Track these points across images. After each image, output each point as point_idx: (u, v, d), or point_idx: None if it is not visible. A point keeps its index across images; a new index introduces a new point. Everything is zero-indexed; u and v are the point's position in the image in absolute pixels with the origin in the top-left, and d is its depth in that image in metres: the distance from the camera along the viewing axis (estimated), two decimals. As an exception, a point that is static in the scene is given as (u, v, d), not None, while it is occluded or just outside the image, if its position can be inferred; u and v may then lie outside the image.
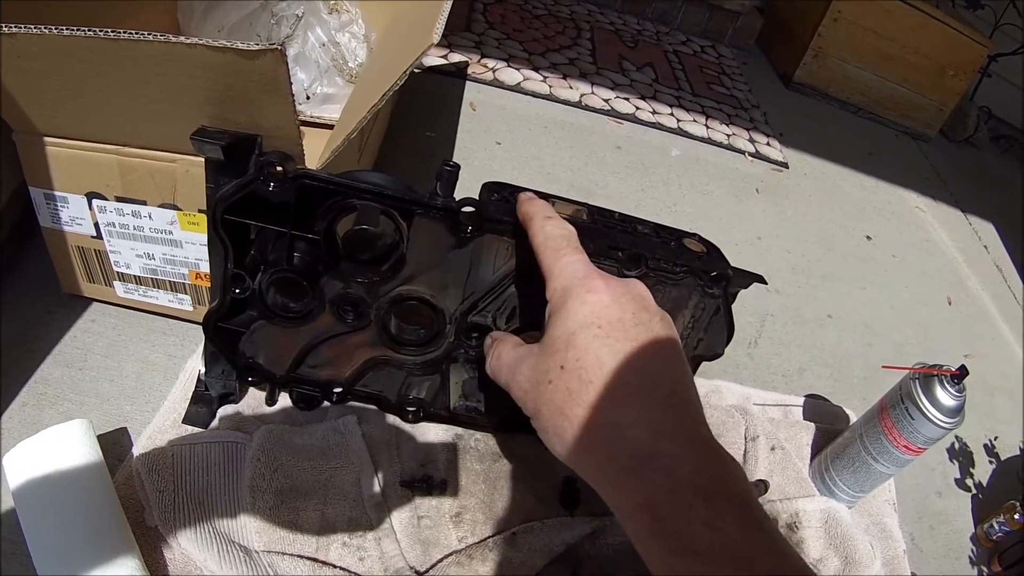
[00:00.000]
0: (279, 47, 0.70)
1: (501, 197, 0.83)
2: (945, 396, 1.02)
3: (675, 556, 0.51)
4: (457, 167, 0.77)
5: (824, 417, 1.34)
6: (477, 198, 0.79)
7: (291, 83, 0.75)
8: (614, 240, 0.81)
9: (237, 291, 0.83)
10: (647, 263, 0.83)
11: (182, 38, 0.69)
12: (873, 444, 1.09)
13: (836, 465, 1.15)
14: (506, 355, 0.70)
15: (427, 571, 0.88)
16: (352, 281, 0.83)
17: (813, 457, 1.23)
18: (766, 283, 0.88)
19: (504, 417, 1.01)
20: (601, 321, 0.61)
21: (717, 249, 0.91)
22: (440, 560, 0.90)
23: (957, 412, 1.02)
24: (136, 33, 0.69)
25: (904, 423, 1.04)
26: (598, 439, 0.58)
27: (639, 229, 0.89)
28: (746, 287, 0.90)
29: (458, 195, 0.78)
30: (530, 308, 0.87)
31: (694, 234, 0.92)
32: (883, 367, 1.16)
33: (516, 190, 0.84)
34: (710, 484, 0.53)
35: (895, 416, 1.06)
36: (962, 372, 1.03)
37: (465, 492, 0.97)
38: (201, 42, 0.69)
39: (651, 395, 0.58)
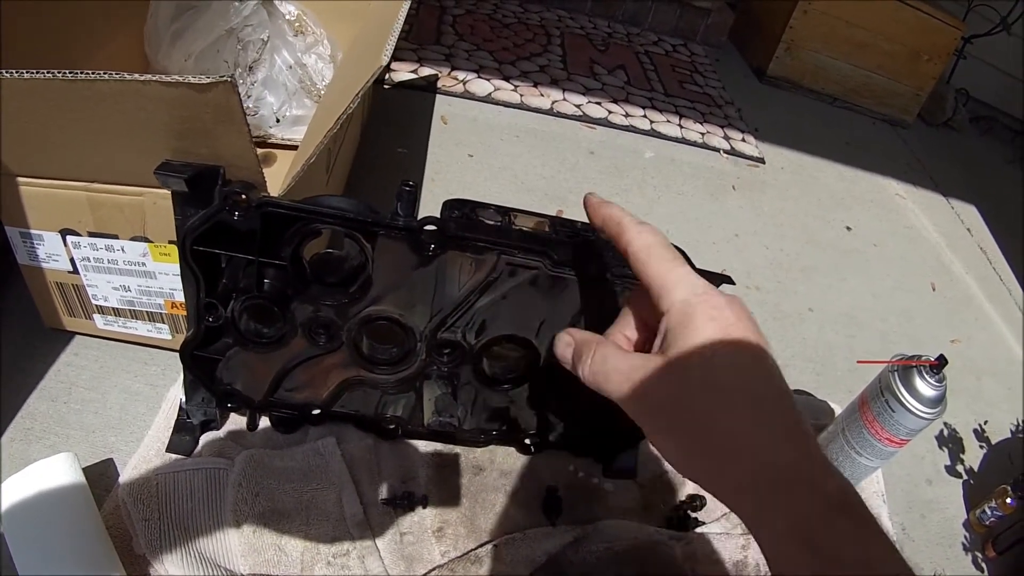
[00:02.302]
0: (229, 79, 0.71)
1: (462, 214, 0.84)
2: (925, 387, 1.02)
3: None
4: (415, 187, 0.78)
5: (808, 412, 1.34)
6: (438, 216, 0.80)
7: (245, 113, 0.76)
8: (577, 251, 0.82)
9: (211, 319, 0.84)
10: (612, 272, 0.84)
11: (136, 75, 0.70)
12: (856, 438, 1.09)
13: None
14: (615, 361, 0.65)
15: (411, 587, 0.89)
16: (322, 304, 0.83)
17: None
18: (733, 283, 0.88)
19: (485, 429, 1.02)
20: (731, 340, 0.59)
21: (683, 252, 0.92)
22: (424, 575, 0.90)
23: (938, 402, 1.02)
24: (93, 73, 0.70)
25: (885, 416, 1.04)
26: (743, 458, 0.56)
27: (602, 238, 0.90)
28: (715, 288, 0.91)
29: (432, 211, 0.79)
30: (518, 319, 0.89)
31: (658, 239, 0.93)
32: (859, 362, 1.17)
33: (477, 206, 0.85)
34: (846, 501, 0.53)
35: (875, 409, 1.06)
36: (941, 362, 1.03)
37: (446, 507, 0.98)
38: (155, 78, 0.71)
39: (785, 413, 0.57)
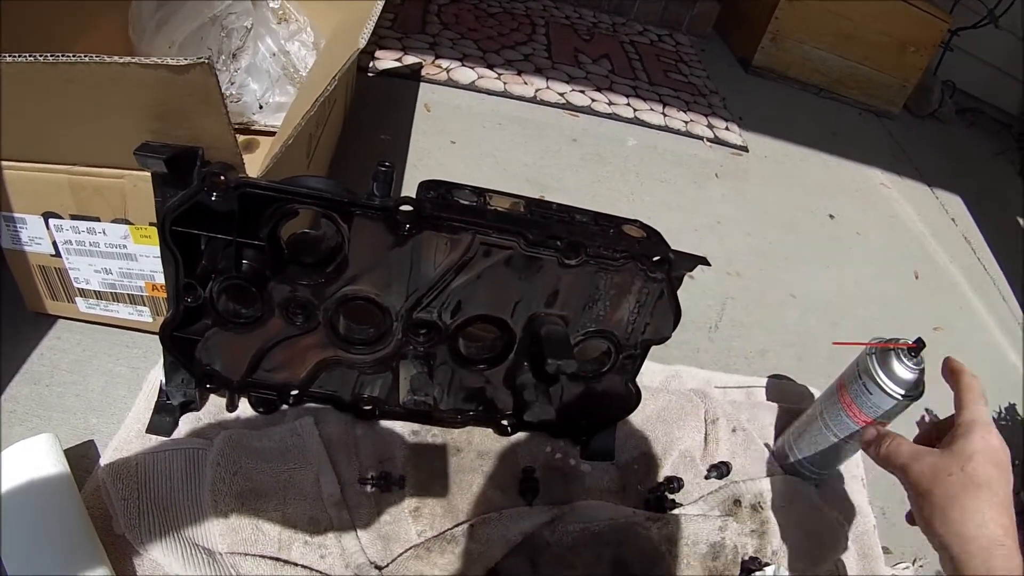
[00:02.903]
0: (206, 60, 0.71)
1: (437, 194, 0.85)
2: (902, 369, 1.03)
3: None
4: (392, 166, 0.79)
5: (788, 397, 1.36)
6: (414, 197, 0.80)
7: (223, 95, 0.76)
8: (552, 230, 0.83)
9: (190, 300, 0.84)
10: (586, 251, 0.84)
11: (116, 58, 0.71)
12: (834, 421, 1.10)
13: (799, 444, 1.16)
14: (906, 447, 0.93)
15: (388, 565, 0.90)
16: (298, 284, 0.84)
17: (777, 437, 1.24)
18: (709, 264, 0.90)
19: (462, 409, 1.03)
20: (991, 455, 0.86)
21: (658, 233, 0.92)
22: (400, 554, 0.91)
23: (916, 385, 1.04)
24: (73, 56, 0.71)
25: (862, 398, 1.05)
26: (969, 523, 0.80)
27: (577, 218, 0.90)
28: (691, 269, 0.91)
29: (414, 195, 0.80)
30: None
31: (635, 220, 0.94)
32: (834, 343, 1.18)
33: (453, 187, 0.86)
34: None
35: (853, 392, 1.07)
36: (919, 344, 1.04)
37: (424, 487, 0.99)
38: (134, 60, 0.71)
39: (1005, 507, 0.82)
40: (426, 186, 0.86)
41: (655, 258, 0.88)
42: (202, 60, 0.71)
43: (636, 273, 0.89)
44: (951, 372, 0.97)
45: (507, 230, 0.82)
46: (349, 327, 0.91)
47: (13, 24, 0.96)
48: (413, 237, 0.81)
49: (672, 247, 0.90)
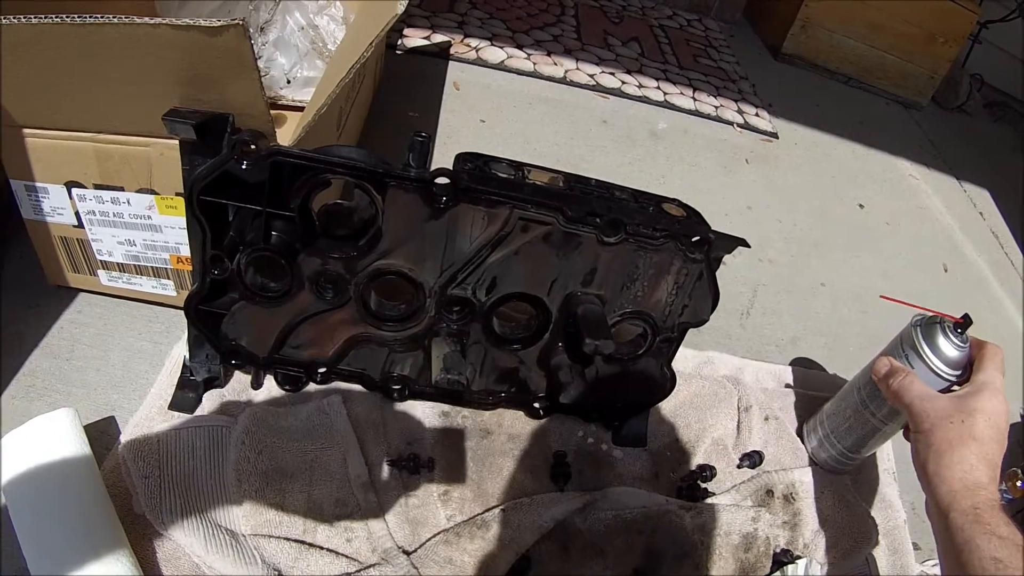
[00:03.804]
0: (241, 22, 0.69)
1: (475, 166, 0.82)
2: (947, 345, 1.00)
3: (987, 536, 0.79)
4: (428, 137, 0.76)
5: (817, 385, 1.33)
6: (451, 168, 0.78)
7: (256, 59, 0.74)
8: (591, 206, 0.81)
9: (216, 272, 0.82)
10: (626, 228, 0.82)
11: (146, 19, 0.69)
12: (870, 397, 1.07)
13: (831, 422, 1.13)
14: (917, 387, 0.97)
15: (416, 550, 0.88)
16: (330, 257, 0.82)
17: (803, 424, 1.22)
18: (749, 246, 0.87)
19: (493, 390, 1.01)
20: (993, 416, 0.91)
21: (698, 213, 0.90)
22: (429, 539, 0.89)
23: (959, 364, 1.00)
24: (102, 17, 0.69)
25: None
26: (959, 466, 0.87)
27: (616, 195, 0.88)
28: (730, 251, 0.89)
29: None
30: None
31: (673, 199, 0.91)
32: (881, 296, 1.18)
33: (490, 160, 0.83)
34: (1000, 504, 0.84)
35: None
36: (966, 321, 1.00)
37: (453, 470, 0.97)
38: (165, 22, 0.69)
39: (992, 463, 0.88)
40: (463, 158, 0.83)
41: (695, 238, 0.85)
42: (237, 22, 0.69)
43: (675, 253, 0.86)
44: (977, 344, 1.02)
45: (546, 205, 0.80)
46: (380, 303, 0.89)
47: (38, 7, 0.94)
48: (449, 210, 0.79)
49: (711, 227, 0.88)
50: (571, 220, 0.81)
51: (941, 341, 1.00)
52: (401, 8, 0.81)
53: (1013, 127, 3.29)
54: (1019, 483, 1.18)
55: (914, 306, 1.07)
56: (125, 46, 0.72)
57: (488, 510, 0.93)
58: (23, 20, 0.69)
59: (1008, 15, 3.11)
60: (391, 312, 0.89)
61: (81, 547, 0.74)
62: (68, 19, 0.69)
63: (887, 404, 1.04)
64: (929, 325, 1.02)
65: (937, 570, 1.14)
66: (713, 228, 0.88)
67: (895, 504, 1.17)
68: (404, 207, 0.78)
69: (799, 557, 1.02)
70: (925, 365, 1.00)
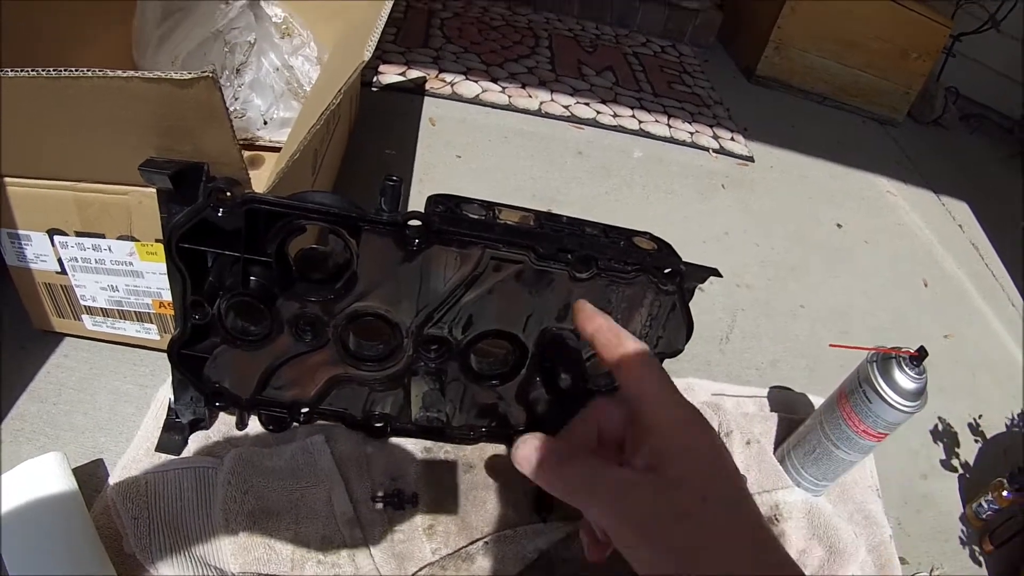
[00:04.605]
0: (211, 74, 0.70)
1: (446, 208, 0.84)
2: (904, 379, 1.01)
3: None
4: (400, 181, 0.77)
5: (793, 407, 1.35)
6: (423, 211, 0.79)
7: (228, 110, 0.75)
8: (562, 243, 0.82)
9: (197, 317, 0.83)
10: (597, 264, 0.83)
11: (119, 72, 0.70)
12: (833, 431, 1.08)
13: (797, 453, 1.15)
14: (603, 474, 0.62)
15: (402, 584, 0.89)
16: (307, 301, 0.83)
17: (776, 448, 1.23)
18: (721, 275, 0.88)
19: (474, 426, 1.02)
20: (714, 463, 0.61)
21: (668, 245, 0.91)
22: (415, 573, 0.90)
23: (918, 395, 1.01)
24: (76, 70, 0.70)
25: (863, 408, 1.04)
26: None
27: (587, 231, 0.89)
28: (702, 281, 0.90)
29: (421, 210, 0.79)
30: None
31: (644, 232, 0.92)
32: (830, 345, 1.16)
33: (462, 201, 0.85)
34: None
35: (853, 401, 1.05)
36: (921, 353, 1.02)
37: (437, 504, 0.98)
38: (137, 75, 0.70)
39: (769, 549, 0.58)
40: (435, 200, 0.85)
41: (666, 270, 0.86)
42: (206, 74, 0.70)
43: (648, 286, 0.87)
44: (597, 329, 0.71)
45: (517, 243, 0.81)
46: (359, 344, 0.90)
47: (12, 42, 0.95)
48: (422, 252, 0.80)
49: (682, 259, 0.89)
50: (542, 257, 0.82)
51: (897, 375, 1.01)
52: (368, 55, 0.82)
53: (989, 138, 3.32)
54: (1005, 492, 1.20)
55: (866, 348, 1.06)
56: (99, 98, 0.74)
57: (473, 543, 0.94)
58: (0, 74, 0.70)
59: (981, 26, 3.14)
60: (370, 352, 0.90)
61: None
62: (44, 72, 0.70)
63: (852, 437, 1.06)
64: (884, 360, 1.04)
65: (926, 582, 1.15)
66: (685, 259, 0.89)
67: (880, 520, 1.18)
68: (378, 250, 0.79)
69: (783, 578, 1.02)
70: (882, 400, 1.01)
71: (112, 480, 0.91)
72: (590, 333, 0.71)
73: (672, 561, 0.57)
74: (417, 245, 0.79)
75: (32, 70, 0.70)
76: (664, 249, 0.90)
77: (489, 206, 0.86)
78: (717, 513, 0.57)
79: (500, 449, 1.06)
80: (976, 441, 1.47)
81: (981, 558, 1.23)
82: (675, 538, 0.57)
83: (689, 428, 0.62)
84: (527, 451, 0.65)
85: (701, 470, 0.59)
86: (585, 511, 0.63)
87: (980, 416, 1.52)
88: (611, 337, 0.69)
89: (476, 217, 0.84)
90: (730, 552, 0.56)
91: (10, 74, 0.70)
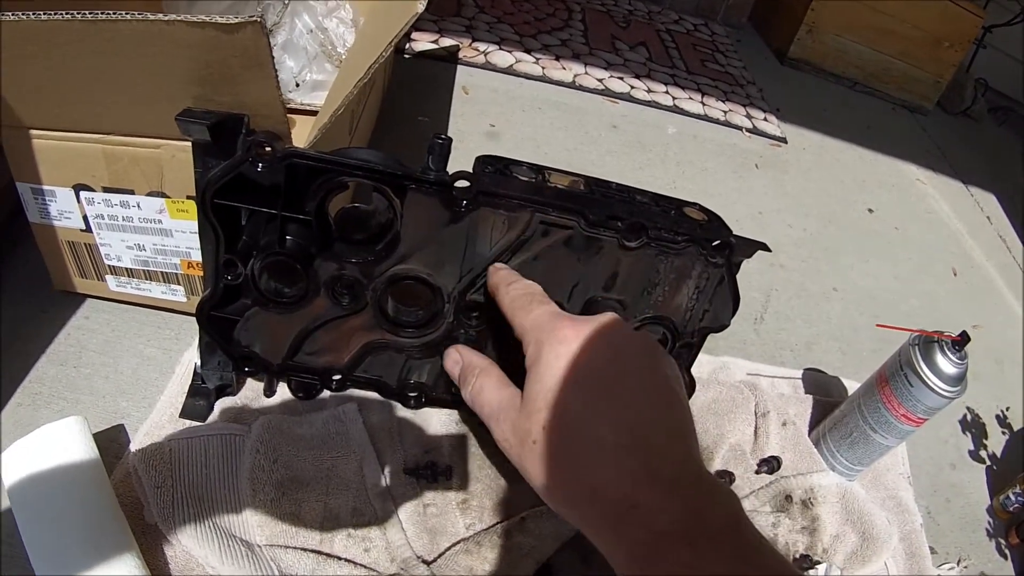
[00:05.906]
0: (259, 19, 0.68)
1: (496, 169, 0.81)
2: (946, 363, 1.00)
3: None
4: (449, 139, 0.75)
5: (827, 390, 1.34)
6: (471, 171, 0.77)
7: (273, 58, 0.73)
8: (612, 210, 0.79)
9: (229, 277, 0.80)
10: (647, 232, 0.80)
11: (160, 15, 0.67)
12: (872, 414, 1.07)
13: (833, 436, 1.13)
14: (488, 395, 0.71)
15: (435, 560, 0.87)
16: (346, 262, 0.80)
17: (811, 431, 1.21)
18: (770, 250, 0.86)
19: None
20: (575, 375, 0.62)
21: (719, 217, 0.89)
22: (448, 548, 0.88)
23: (958, 380, 1.00)
24: (114, 13, 0.67)
25: (903, 391, 1.03)
26: (581, 498, 0.60)
27: (637, 199, 0.87)
28: (750, 255, 0.88)
29: None
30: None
31: (694, 203, 0.90)
32: (877, 325, 1.15)
33: (511, 163, 0.82)
34: (691, 526, 0.54)
35: (894, 384, 1.04)
36: (963, 338, 1.01)
37: (471, 478, 0.95)
38: (180, 18, 0.67)
39: (628, 448, 0.58)
40: (483, 161, 0.82)
41: (716, 242, 0.84)
42: (254, 19, 0.67)
43: (696, 258, 0.85)
44: (491, 287, 0.78)
45: (567, 208, 0.78)
46: (398, 308, 0.87)
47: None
48: (470, 214, 0.77)
49: (731, 230, 0.87)
50: (592, 224, 0.79)
51: (939, 359, 1.00)
52: (421, 7, 0.79)
53: (1017, 131, 3.29)
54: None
55: (910, 330, 1.05)
56: (138, 44, 0.71)
57: (508, 519, 0.92)
58: (32, 16, 0.67)
59: (1013, 19, 3.11)
60: (409, 318, 0.87)
61: (92, 557, 0.72)
62: (80, 15, 0.67)
63: (891, 421, 1.05)
64: (927, 344, 1.02)
65: (955, 572, 1.13)
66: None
67: (911, 508, 1.16)
68: (423, 211, 0.77)
69: (818, 562, 1.01)
70: (924, 384, 1.00)
71: (134, 447, 0.88)
72: (491, 290, 0.78)
73: (533, 481, 0.65)
74: (464, 206, 0.76)
75: (67, 13, 0.67)
76: (715, 221, 0.88)
77: (539, 169, 0.83)
78: (549, 442, 0.62)
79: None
80: (1003, 433, 1.45)
81: (1007, 551, 1.21)
82: (527, 463, 0.64)
83: (544, 347, 0.65)
84: (449, 363, 0.81)
85: (545, 391, 0.62)
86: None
87: (1008, 408, 1.50)
88: (497, 288, 0.76)
89: (526, 179, 0.81)
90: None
91: (44, 16, 0.67)
